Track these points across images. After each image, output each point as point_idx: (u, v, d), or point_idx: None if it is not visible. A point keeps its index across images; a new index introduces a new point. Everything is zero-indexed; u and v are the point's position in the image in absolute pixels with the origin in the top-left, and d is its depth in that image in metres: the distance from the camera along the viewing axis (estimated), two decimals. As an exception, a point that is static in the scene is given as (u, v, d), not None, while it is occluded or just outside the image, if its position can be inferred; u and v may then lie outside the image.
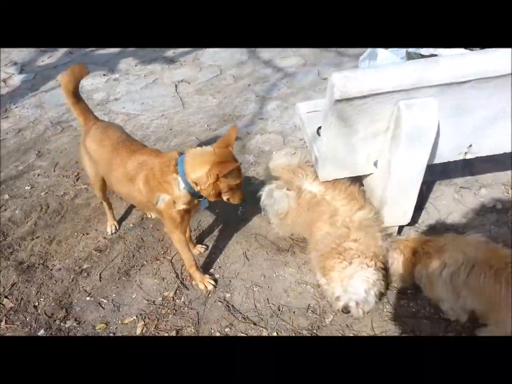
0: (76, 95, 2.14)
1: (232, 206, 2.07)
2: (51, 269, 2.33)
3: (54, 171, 3.06)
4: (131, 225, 2.58)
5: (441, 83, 1.68)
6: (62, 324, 2.05)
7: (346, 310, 1.82)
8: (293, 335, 1.93)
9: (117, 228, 2.54)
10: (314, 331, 1.94)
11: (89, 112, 2.21)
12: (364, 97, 1.66)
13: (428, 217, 2.46)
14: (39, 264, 2.36)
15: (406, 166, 1.85)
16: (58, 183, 2.93)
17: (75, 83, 2.12)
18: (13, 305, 2.15)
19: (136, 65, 4.57)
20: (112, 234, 2.51)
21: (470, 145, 2.00)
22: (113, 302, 2.15)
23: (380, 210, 2.05)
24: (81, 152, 2.24)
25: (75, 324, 2.05)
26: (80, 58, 4.80)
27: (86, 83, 4.22)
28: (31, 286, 2.24)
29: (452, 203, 2.54)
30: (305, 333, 1.93)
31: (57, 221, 2.64)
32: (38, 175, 3.02)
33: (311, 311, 2.03)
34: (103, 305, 2.13)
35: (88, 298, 2.17)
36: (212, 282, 2.17)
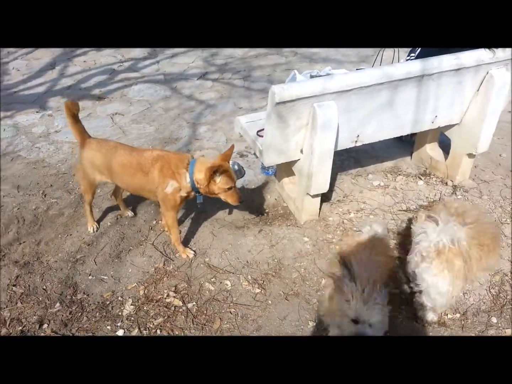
0: (75, 118, 2.63)
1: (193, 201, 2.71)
2: (47, 263, 2.69)
3: (18, 191, 3.36)
4: (109, 223, 3.05)
5: (336, 91, 2.62)
6: (73, 297, 2.45)
7: None
8: (260, 277, 2.62)
9: (98, 227, 2.98)
10: (274, 274, 2.66)
11: (85, 131, 2.70)
12: (293, 100, 2.52)
13: (337, 196, 3.40)
14: (34, 261, 2.70)
15: (322, 147, 2.74)
16: (26, 200, 3.25)
17: (75, 111, 2.62)
18: (23, 291, 2.47)
19: (66, 103, 4.97)
20: (94, 232, 2.94)
21: (358, 135, 2.99)
22: (113, 277, 2.61)
23: (308, 183, 2.90)
24: (81, 165, 2.69)
25: (85, 296, 2.48)
26: (6, 98, 5.01)
27: (21, 119, 4.51)
28: (35, 276, 2.58)
29: (351, 185, 3.54)
30: (270, 274, 2.64)
31: (37, 229, 2.98)
32: (4, 196, 3.29)
33: (271, 260, 2.76)
34: (105, 280, 2.59)
35: (90, 277, 2.60)
36: (192, 251, 2.78)
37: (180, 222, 3.08)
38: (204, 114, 4.75)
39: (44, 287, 2.52)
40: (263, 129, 2.92)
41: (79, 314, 2.37)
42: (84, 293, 2.50)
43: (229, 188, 2.49)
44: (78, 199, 3.29)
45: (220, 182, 2.45)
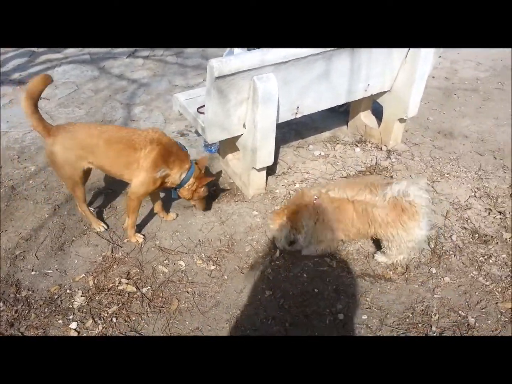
0: (36, 105, 2.30)
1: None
2: (-17, 262, 2.48)
3: None
4: (46, 215, 2.86)
5: (274, 63, 2.62)
6: (17, 295, 2.30)
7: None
8: (214, 254, 2.63)
9: (107, 226, 2.80)
10: (227, 250, 2.67)
11: (44, 120, 2.36)
12: (233, 74, 2.48)
13: (281, 168, 3.46)
14: (-34, 262, 2.48)
15: (265, 121, 2.75)
16: None
17: (40, 92, 2.29)
18: (-42, 295, 2.27)
19: (-18, 89, 4.52)
20: (106, 230, 2.77)
21: (298, 107, 3.04)
22: (58, 270, 2.48)
23: (253, 158, 2.92)
24: (57, 158, 2.38)
25: (30, 292, 2.33)
26: None
27: None
28: (-31, 278, 2.38)
29: (294, 157, 3.61)
30: (223, 250, 2.65)
31: (-35, 228, 2.73)
32: None
33: (222, 237, 2.77)
34: (49, 274, 2.45)
35: (33, 273, 2.45)
36: (141, 235, 2.71)
37: (124, 206, 2.98)
38: (138, 93, 4.55)
39: (-18, 289, 2.34)
40: (203, 106, 2.87)
41: (26, 311, 2.23)
42: (28, 289, 2.35)
43: (204, 197, 2.80)
44: (9, 192, 3.05)
45: (201, 191, 2.72)
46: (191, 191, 2.65)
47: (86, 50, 5.45)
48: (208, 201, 2.91)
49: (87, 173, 2.56)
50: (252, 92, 2.65)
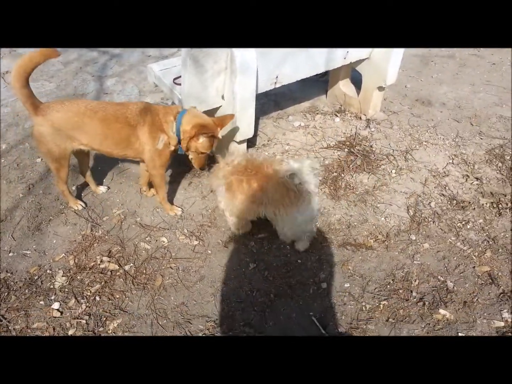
0: (27, 79, 2.13)
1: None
2: (-44, 246, 2.40)
3: None
4: (21, 195, 2.77)
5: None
6: (-5, 278, 2.24)
7: None
8: (197, 229, 2.61)
9: (84, 204, 2.72)
10: (210, 224, 2.66)
11: (34, 96, 2.21)
12: (209, 43, 2.40)
13: (261, 140, 3.42)
14: None
15: (244, 91, 2.68)
16: None
17: (36, 66, 2.11)
18: None
19: None
20: (83, 209, 2.69)
21: (277, 76, 2.97)
22: (37, 251, 2.42)
23: (233, 130, 2.86)
24: (43, 137, 2.26)
25: (9, 274, 2.28)
26: None
27: None
28: None
29: (274, 128, 3.56)
30: (206, 225, 2.63)
31: None
32: None
33: (204, 211, 2.74)
34: (28, 255, 2.39)
35: (10, 254, 2.38)
36: (179, 208, 2.72)
37: (102, 184, 2.90)
38: (110, 65, 4.36)
39: (-43, 273, 2.27)
40: (179, 77, 2.77)
41: (6, 294, 2.18)
42: (7, 271, 2.29)
43: (203, 153, 2.45)
44: (-24, 173, 2.93)
45: (200, 143, 2.38)
46: (185, 141, 2.37)
47: (52, 19, 5.16)
48: (204, 159, 2.52)
49: (80, 155, 2.52)
50: (229, 61, 2.57)
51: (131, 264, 2.37)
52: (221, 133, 2.65)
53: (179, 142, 2.42)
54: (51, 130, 2.25)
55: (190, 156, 2.50)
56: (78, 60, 4.40)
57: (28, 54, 2.08)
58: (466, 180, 2.95)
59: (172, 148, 2.44)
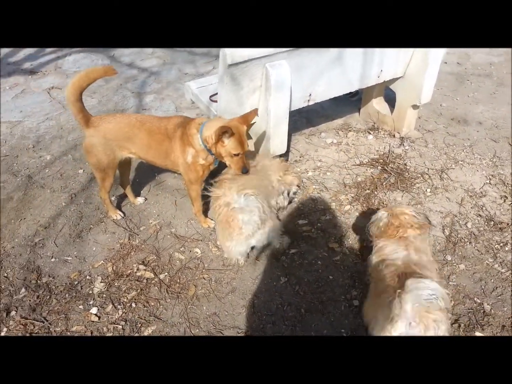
0: (81, 93, 2.28)
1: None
2: (4, 249, 2.54)
3: (-44, 180, 3.09)
4: (64, 203, 2.91)
5: (287, 49, 2.61)
6: (38, 281, 2.36)
7: None
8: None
9: (123, 214, 2.84)
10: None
11: (85, 110, 2.34)
12: (245, 61, 2.48)
13: (293, 156, 3.46)
14: (-12, 250, 2.54)
15: (277, 108, 2.75)
16: (-32, 188, 3.01)
17: (92, 81, 2.27)
18: (-19, 281, 2.33)
19: (-6, 79, 4.56)
20: (122, 218, 2.80)
21: (310, 94, 3.02)
22: (77, 257, 2.53)
23: (266, 146, 2.92)
24: (93, 148, 2.39)
25: (51, 279, 2.39)
26: None
27: None
28: (-9, 265, 2.44)
29: (306, 145, 3.61)
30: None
31: (-15, 216, 2.78)
32: None
33: (236, 224, 2.79)
34: (69, 261, 2.50)
35: (53, 260, 2.50)
36: (212, 222, 2.73)
37: (140, 195, 3.01)
38: (148, 82, 4.55)
39: (5, 275, 2.39)
40: (216, 94, 2.87)
41: (48, 297, 2.29)
42: (49, 276, 2.41)
43: (236, 154, 2.34)
44: (26, 181, 3.10)
45: (228, 145, 2.29)
46: (213, 149, 2.32)
47: (96, 38, 5.44)
48: (241, 160, 2.38)
49: (125, 163, 2.61)
50: (264, 79, 2.65)
51: (166, 273, 2.44)
52: (253, 149, 2.70)
53: (211, 153, 2.39)
54: (103, 141, 2.38)
55: (227, 163, 2.42)
56: (119, 77, 4.61)
57: (85, 70, 2.23)
58: (504, 201, 2.88)
59: (203, 161, 2.43)
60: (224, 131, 2.22)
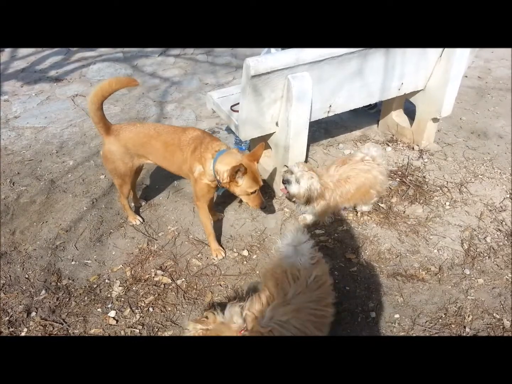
0: (102, 103, 2.34)
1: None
2: (26, 251, 2.60)
3: (-18, 184, 3.19)
4: (85, 208, 2.98)
5: (309, 61, 2.64)
6: (58, 283, 2.41)
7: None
8: (246, 249, 2.67)
9: (142, 219, 2.87)
10: (259, 245, 2.72)
11: (106, 118, 2.40)
12: (268, 73, 2.52)
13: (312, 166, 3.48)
14: (11, 251, 2.61)
15: (298, 119, 2.78)
16: (-7, 190, 3.10)
17: (113, 91, 2.32)
18: (4, 281, 2.39)
19: (22, 86, 4.70)
20: (141, 223, 2.84)
21: (330, 105, 3.05)
22: (97, 261, 2.58)
23: (285, 156, 2.94)
24: (113, 155, 2.44)
25: (70, 281, 2.44)
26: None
27: (-26, 106, 4.23)
28: (15, 266, 2.51)
29: (324, 155, 3.62)
30: (255, 246, 2.69)
31: (9, 218, 2.86)
32: (-32, 188, 3.12)
33: (254, 233, 2.81)
34: (89, 265, 2.55)
35: (73, 263, 2.55)
36: (222, 253, 2.61)
37: (159, 201, 3.06)
38: (170, 91, 4.64)
39: (27, 276, 2.45)
40: (237, 104, 2.92)
41: (67, 299, 2.34)
42: (69, 278, 2.46)
43: (253, 192, 2.31)
44: (48, 185, 3.18)
45: (243, 184, 2.26)
46: (226, 185, 2.30)
47: (119, 48, 5.59)
48: (258, 197, 2.37)
49: (137, 169, 2.64)
50: (286, 90, 2.68)
51: (183, 279, 2.47)
52: (273, 159, 2.68)
53: (219, 182, 2.33)
54: (122, 149, 2.43)
55: (244, 201, 2.42)
56: (141, 86, 4.72)
57: (108, 80, 2.28)
58: (526, 216, 2.84)
59: (208, 182, 2.39)
60: (237, 170, 2.17)
